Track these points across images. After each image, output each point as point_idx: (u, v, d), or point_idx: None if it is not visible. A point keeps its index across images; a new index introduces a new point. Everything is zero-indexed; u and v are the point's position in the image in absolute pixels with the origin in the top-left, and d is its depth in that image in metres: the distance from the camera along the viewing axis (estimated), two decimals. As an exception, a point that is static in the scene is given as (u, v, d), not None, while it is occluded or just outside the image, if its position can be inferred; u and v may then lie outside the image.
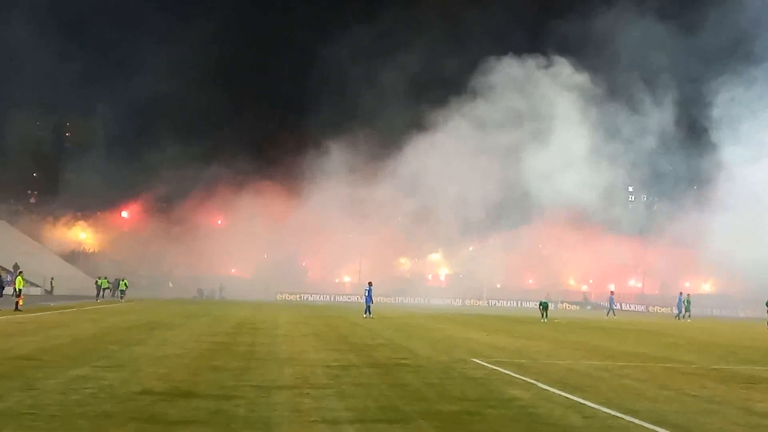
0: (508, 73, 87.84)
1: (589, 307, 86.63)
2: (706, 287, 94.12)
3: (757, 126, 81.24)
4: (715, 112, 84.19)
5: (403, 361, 20.09)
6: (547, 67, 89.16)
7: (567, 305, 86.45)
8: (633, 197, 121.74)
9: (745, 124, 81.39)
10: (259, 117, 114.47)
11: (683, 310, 59.02)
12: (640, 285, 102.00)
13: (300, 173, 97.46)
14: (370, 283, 49.18)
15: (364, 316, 44.98)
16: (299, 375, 16.56)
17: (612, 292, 65.00)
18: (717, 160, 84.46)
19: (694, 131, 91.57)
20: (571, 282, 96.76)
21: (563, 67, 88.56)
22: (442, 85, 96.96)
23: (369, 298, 47.84)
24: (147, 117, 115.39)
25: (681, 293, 61.82)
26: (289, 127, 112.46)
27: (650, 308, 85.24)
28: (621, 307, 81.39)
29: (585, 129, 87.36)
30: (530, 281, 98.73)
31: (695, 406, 14.11)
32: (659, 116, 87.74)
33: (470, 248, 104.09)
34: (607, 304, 64.51)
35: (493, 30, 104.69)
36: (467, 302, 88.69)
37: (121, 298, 67.06)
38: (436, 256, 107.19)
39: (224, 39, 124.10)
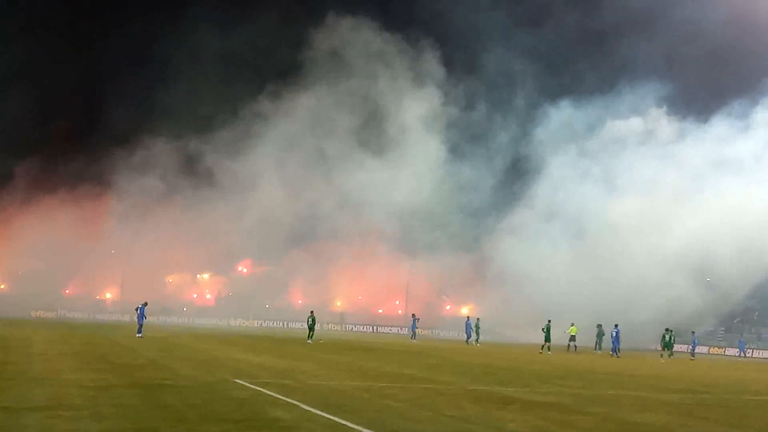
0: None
1: (344, 328, 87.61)
2: (465, 310, 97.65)
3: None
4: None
5: (165, 382, 19.53)
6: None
7: (331, 326, 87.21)
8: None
9: None
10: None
11: (473, 334, 60.54)
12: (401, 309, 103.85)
13: (59, 181, 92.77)
14: (145, 303, 48.75)
15: (138, 335, 43.76)
16: (53, 396, 15.71)
17: (414, 315, 64.65)
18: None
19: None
20: (338, 303, 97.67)
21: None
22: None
23: (141, 316, 47.19)
24: None
25: (468, 317, 63.12)
26: (49, 130, 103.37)
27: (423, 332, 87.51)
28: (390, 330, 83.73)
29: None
30: (299, 301, 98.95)
31: (452, 426, 14.58)
32: None
33: (240, 268, 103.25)
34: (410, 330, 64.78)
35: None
36: (234, 322, 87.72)
37: None
38: (205, 276, 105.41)
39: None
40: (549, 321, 52.79)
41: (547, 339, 51.65)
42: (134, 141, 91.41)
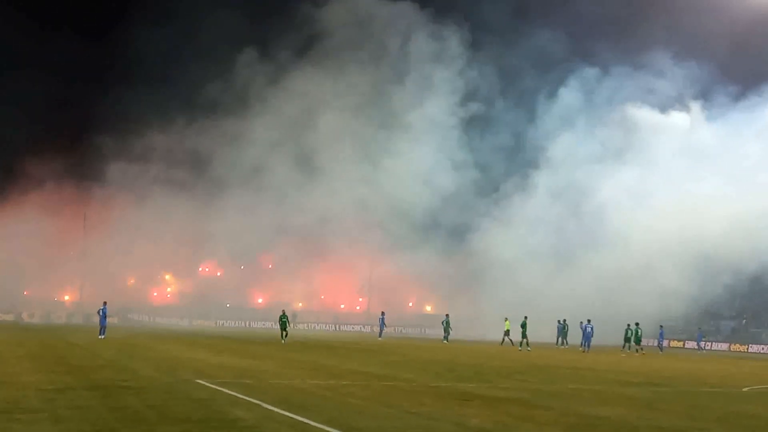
0: None
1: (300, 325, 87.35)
2: (428, 308, 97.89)
3: None
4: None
5: (124, 383, 19.36)
6: None
7: (292, 325, 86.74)
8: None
9: None
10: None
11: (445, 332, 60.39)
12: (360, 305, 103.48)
13: (20, 181, 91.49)
14: (105, 303, 48.60)
15: (100, 337, 43.45)
16: (9, 399, 15.51)
17: (383, 313, 63.62)
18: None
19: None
20: (299, 304, 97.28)
21: None
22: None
23: (104, 317, 47.29)
24: None
25: (447, 315, 62.89)
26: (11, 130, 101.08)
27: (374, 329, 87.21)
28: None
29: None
30: (260, 300, 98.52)
31: (414, 423, 14.62)
32: None
33: (201, 267, 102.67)
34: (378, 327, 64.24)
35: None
36: (196, 323, 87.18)
37: None
38: (167, 276, 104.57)
39: None
40: (525, 317, 53.21)
41: (524, 335, 52.05)
42: (98, 136, 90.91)
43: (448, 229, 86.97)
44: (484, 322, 72.51)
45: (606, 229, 75.34)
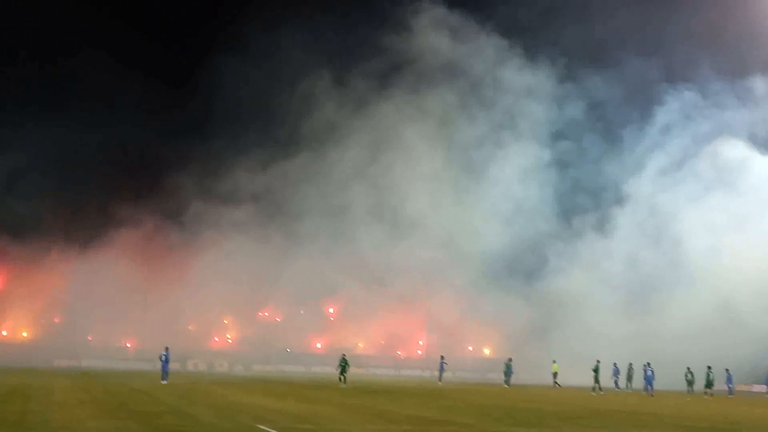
0: None
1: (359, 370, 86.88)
2: (487, 351, 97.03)
3: None
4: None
5: (186, 429, 19.53)
6: None
7: (355, 369, 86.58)
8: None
9: None
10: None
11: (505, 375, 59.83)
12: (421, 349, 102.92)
13: (84, 230, 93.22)
14: (166, 348, 48.83)
15: (163, 382, 43.90)
16: (73, 445, 15.75)
17: (442, 357, 63.67)
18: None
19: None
20: (360, 345, 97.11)
21: None
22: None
23: (166, 363, 47.48)
24: None
25: (510, 359, 62.37)
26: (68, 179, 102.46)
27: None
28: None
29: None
30: (318, 345, 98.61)
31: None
32: None
33: (261, 312, 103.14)
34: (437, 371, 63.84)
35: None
36: (256, 367, 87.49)
37: None
38: (226, 321, 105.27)
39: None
40: (598, 361, 52.72)
41: (597, 380, 51.64)
42: (153, 182, 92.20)
43: (514, 271, 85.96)
44: (550, 366, 71.71)
45: (685, 269, 74.15)
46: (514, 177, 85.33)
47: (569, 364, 68.31)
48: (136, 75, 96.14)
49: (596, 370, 52.56)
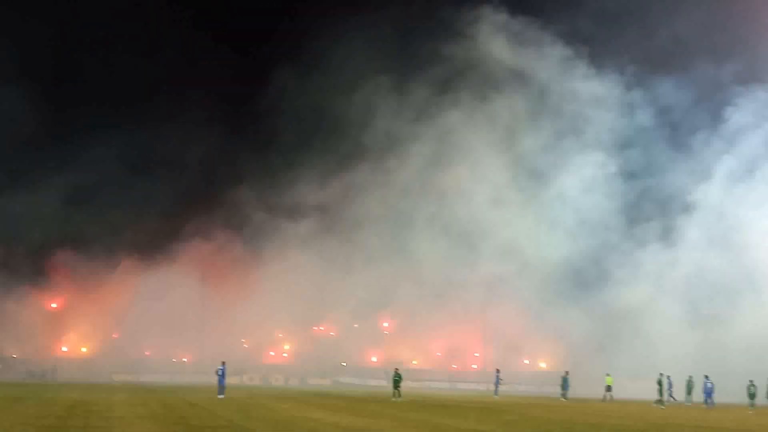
0: None
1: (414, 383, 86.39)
2: (543, 365, 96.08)
3: None
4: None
5: (242, 443, 19.61)
6: None
7: (410, 382, 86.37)
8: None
9: None
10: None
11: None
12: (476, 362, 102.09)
13: (148, 245, 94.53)
14: (223, 363, 49.43)
15: (220, 397, 44.28)
16: (133, 460, 15.91)
17: (498, 370, 63.45)
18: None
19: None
20: (414, 362, 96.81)
21: None
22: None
23: (222, 377, 48.01)
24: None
25: (567, 372, 61.32)
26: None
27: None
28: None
29: None
30: (374, 359, 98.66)
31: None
32: None
33: (315, 327, 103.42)
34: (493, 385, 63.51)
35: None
36: (312, 381, 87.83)
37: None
38: (281, 335, 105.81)
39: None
40: (661, 374, 52.23)
41: (661, 393, 51.22)
42: (215, 197, 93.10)
43: (577, 282, 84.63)
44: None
45: (754, 278, 72.71)
46: (580, 187, 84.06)
47: (630, 377, 67.33)
48: (200, 91, 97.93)
49: (660, 383, 51.99)
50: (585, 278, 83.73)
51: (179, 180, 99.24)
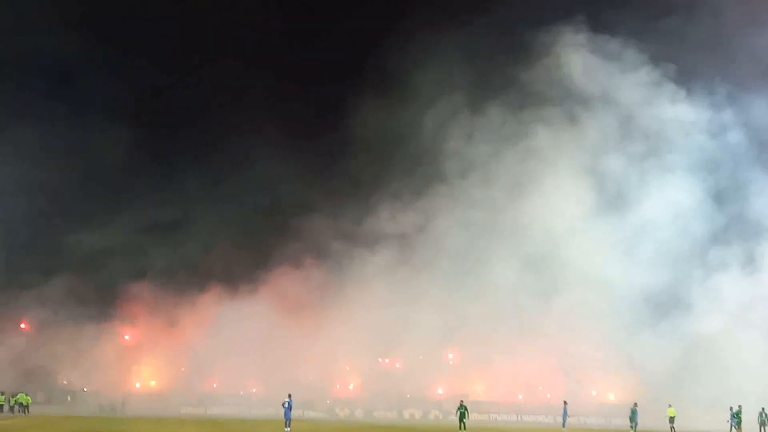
0: None
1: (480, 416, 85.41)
2: (612, 396, 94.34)
3: None
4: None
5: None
6: None
7: (476, 415, 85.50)
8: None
9: None
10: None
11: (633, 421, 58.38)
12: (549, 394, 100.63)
13: (212, 283, 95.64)
14: (289, 395, 49.32)
15: (286, 430, 44.54)
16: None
17: (565, 402, 61.78)
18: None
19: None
20: (480, 393, 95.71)
21: None
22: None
23: (289, 410, 47.97)
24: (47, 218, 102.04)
25: (635, 404, 59.76)
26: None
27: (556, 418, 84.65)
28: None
29: None
30: (440, 391, 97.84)
31: None
32: None
33: (380, 359, 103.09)
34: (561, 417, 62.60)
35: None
36: (378, 414, 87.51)
37: (17, 412, 64.64)
38: (346, 366, 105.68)
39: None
40: (740, 406, 51.23)
41: (738, 425, 50.26)
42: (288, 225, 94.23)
43: (652, 310, 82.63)
44: (686, 412, 69.03)
45: None
46: (663, 211, 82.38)
47: (707, 408, 65.73)
48: (278, 121, 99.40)
49: (737, 415, 50.88)
50: (663, 306, 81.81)
51: (254, 211, 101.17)
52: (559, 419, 63.12)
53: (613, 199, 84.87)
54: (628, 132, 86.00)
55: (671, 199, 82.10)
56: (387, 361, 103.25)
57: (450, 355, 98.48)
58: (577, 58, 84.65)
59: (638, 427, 57.45)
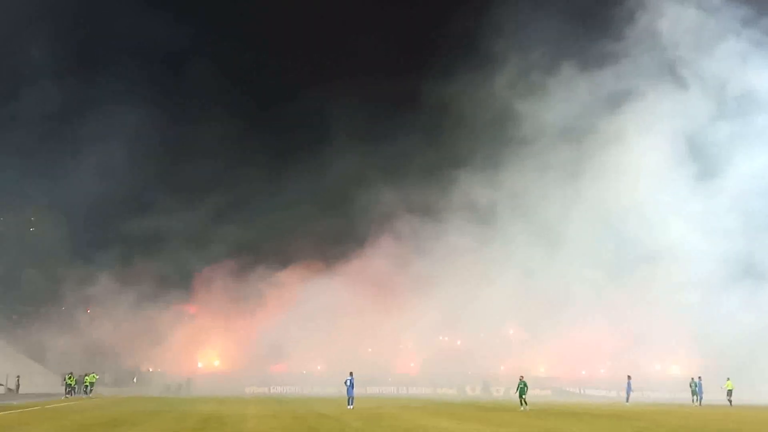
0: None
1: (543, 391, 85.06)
2: (676, 369, 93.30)
3: None
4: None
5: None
6: None
7: (538, 390, 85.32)
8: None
9: None
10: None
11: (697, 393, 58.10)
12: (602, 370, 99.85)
13: (267, 263, 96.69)
14: (351, 373, 49.46)
15: (349, 407, 44.81)
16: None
17: (629, 377, 61.77)
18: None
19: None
20: (541, 369, 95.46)
21: None
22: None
23: (351, 388, 48.09)
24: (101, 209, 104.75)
25: (693, 378, 60.07)
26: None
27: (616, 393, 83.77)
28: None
29: None
30: (502, 368, 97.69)
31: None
32: None
33: (441, 337, 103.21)
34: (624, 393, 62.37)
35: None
36: (439, 390, 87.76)
37: (88, 393, 66.08)
38: (409, 345, 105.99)
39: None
40: None
41: None
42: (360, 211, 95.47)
43: (727, 281, 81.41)
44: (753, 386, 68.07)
45: None
46: (744, 181, 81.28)
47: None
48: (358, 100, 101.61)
49: None
50: (739, 276, 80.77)
51: (325, 191, 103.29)
52: (623, 394, 62.56)
53: (703, 167, 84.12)
54: (721, 104, 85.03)
55: (754, 167, 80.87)
56: (446, 339, 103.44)
57: (511, 331, 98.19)
58: (675, 21, 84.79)
59: (703, 402, 56.81)
